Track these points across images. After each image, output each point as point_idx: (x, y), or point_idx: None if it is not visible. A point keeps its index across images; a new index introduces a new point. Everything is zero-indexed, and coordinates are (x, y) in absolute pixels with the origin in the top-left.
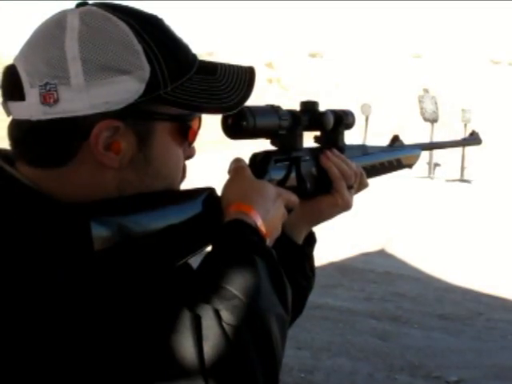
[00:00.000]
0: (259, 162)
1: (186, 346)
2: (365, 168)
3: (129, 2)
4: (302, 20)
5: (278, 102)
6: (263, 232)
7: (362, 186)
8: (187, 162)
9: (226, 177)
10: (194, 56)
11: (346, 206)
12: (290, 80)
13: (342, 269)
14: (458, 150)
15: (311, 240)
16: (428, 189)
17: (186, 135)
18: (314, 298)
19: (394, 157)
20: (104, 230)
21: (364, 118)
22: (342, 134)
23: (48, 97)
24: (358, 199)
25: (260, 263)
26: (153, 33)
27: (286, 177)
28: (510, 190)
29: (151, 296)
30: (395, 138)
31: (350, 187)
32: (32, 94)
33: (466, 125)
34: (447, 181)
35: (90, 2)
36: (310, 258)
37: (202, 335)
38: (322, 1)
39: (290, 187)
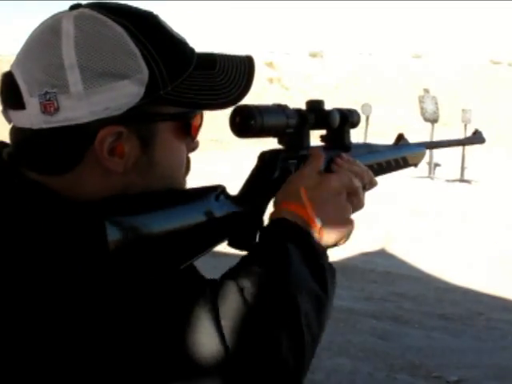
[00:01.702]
0: (268, 160)
1: (202, 314)
2: (371, 166)
3: (131, 1)
4: (302, 20)
5: (278, 101)
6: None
7: (372, 184)
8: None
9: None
10: (192, 51)
11: (360, 206)
12: (291, 79)
13: (342, 268)
14: (459, 150)
15: None
16: (428, 189)
17: (188, 132)
18: None
19: (399, 155)
20: (119, 228)
21: (364, 117)
22: (348, 133)
23: (48, 106)
24: None
25: (292, 247)
26: (149, 32)
27: None
28: (511, 191)
29: (165, 294)
30: (400, 137)
31: (362, 187)
32: (32, 103)
33: (466, 125)
34: (447, 181)
35: (83, 2)
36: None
37: (218, 299)
38: (323, 0)
39: None
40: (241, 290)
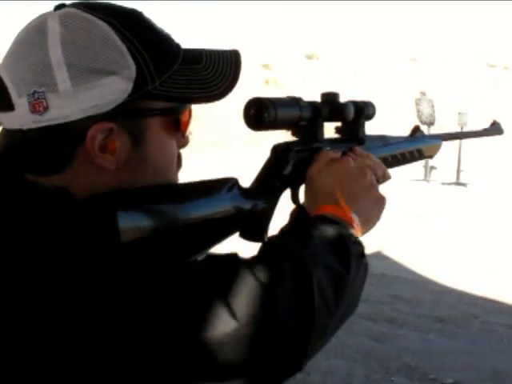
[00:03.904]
0: (281, 152)
1: (214, 289)
2: (386, 158)
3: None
4: (298, 21)
5: None
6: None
7: (385, 178)
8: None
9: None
10: (178, 46)
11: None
12: (287, 81)
13: None
14: (454, 153)
15: None
16: (424, 192)
17: (178, 127)
18: None
19: (414, 147)
20: (131, 219)
21: None
22: (363, 126)
23: (37, 105)
24: None
25: (319, 226)
26: (135, 29)
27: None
28: (506, 194)
29: (177, 284)
30: (416, 129)
31: (376, 180)
32: (21, 103)
33: (462, 128)
34: (443, 184)
35: (68, 2)
36: None
37: (231, 276)
38: (319, 1)
39: None
40: (252, 267)
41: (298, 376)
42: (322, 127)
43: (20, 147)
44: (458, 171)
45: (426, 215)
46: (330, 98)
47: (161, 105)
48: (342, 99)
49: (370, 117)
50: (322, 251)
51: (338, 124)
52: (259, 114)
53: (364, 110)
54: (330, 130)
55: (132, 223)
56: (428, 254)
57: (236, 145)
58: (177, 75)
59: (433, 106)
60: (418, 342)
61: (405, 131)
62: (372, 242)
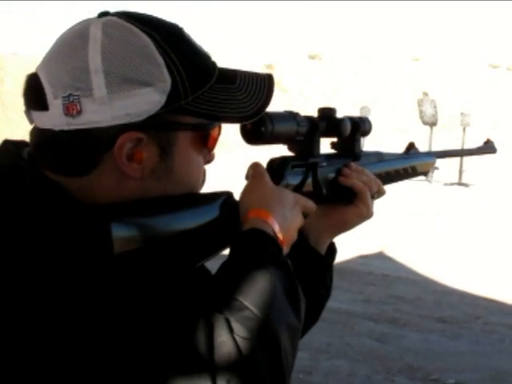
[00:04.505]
0: (276, 167)
1: (197, 352)
2: (380, 175)
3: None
4: (301, 21)
5: (278, 103)
6: (280, 239)
7: (380, 193)
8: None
9: (243, 181)
10: (214, 64)
11: (370, 215)
12: (290, 82)
13: (341, 271)
14: None
15: (333, 250)
16: (426, 192)
17: (206, 143)
18: None
19: (409, 164)
20: (124, 232)
21: None
22: (359, 141)
23: (71, 108)
24: None
25: (275, 274)
26: (174, 43)
27: (303, 182)
28: (509, 194)
29: (167, 300)
30: (410, 146)
31: (371, 196)
32: (55, 104)
33: (464, 128)
34: (445, 184)
35: (112, 11)
36: (331, 268)
37: (214, 344)
38: (322, 1)
39: (306, 193)
40: (231, 329)
41: (300, 376)
42: (318, 142)
43: (50, 147)
44: (461, 172)
45: (428, 215)
46: (326, 113)
47: (191, 120)
48: (344, 99)
49: (366, 133)
50: (284, 311)
51: (334, 139)
52: (256, 128)
53: (360, 126)
54: (325, 145)
55: (126, 234)
56: (430, 255)
57: (238, 146)
58: (210, 93)
59: (435, 107)
60: (419, 343)
61: (407, 132)
62: (374, 242)
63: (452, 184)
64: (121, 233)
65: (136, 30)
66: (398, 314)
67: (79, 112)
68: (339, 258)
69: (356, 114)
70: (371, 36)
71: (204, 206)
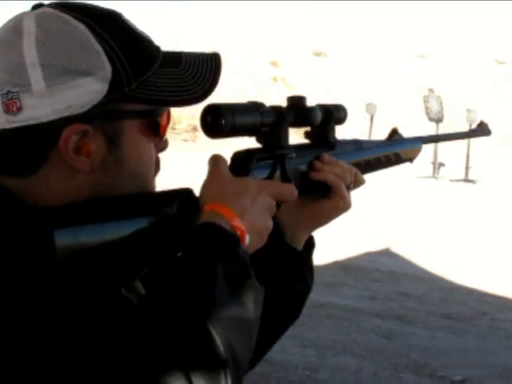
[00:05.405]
0: (241, 160)
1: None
2: (359, 164)
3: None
4: (306, 19)
5: (282, 100)
6: (242, 230)
7: (358, 183)
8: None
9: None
10: (158, 49)
11: (347, 207)
12: (295, 78)
13: (347, 268)
14: (463, 149)
15: (311, 245)
16: (432, 189)
17: (155, 130)
18: (318, 296)
19: (391, 151)
20: (69, 238)
21: (369, 117)
22: (333, 130)
23: (11, 105)
24: (364, 199)
25: (221, 269)
26: (112, 30)
27: (270, 176)
28: None
29: (107, 310)
30: (393, 132)
31: (347, 187)
32: None
33: (471, 125)
34: (451, 181)
35: (46, 2)
36: (310, 263)
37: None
38: (327, 0)
39: None
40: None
41: (307, 373)
42: (286, 133)
43: None
44: (467, 168)
45: (434, 212)
46: (295, 103)
47: (138, 107)
48: (349, 96)
49: (340, 121)
50: (230, 308)
51: (308, 129)
52: (215, 120)
53: (334, 114)
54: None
55: (71, 241)
56: (436, 251)
57: (236, 141)
58: (154, 78)
59: (441, 103)
60: (426, 339)
61: (413, 128)
62: (380, 239)
63: (458, 180)
64: (65, 239)
65: (71, 19)
66: (405, 310)
67: (19, 109)
68: (345, 254)
69: (362, 111)
70: (376, 33)
71: (161, 206)
